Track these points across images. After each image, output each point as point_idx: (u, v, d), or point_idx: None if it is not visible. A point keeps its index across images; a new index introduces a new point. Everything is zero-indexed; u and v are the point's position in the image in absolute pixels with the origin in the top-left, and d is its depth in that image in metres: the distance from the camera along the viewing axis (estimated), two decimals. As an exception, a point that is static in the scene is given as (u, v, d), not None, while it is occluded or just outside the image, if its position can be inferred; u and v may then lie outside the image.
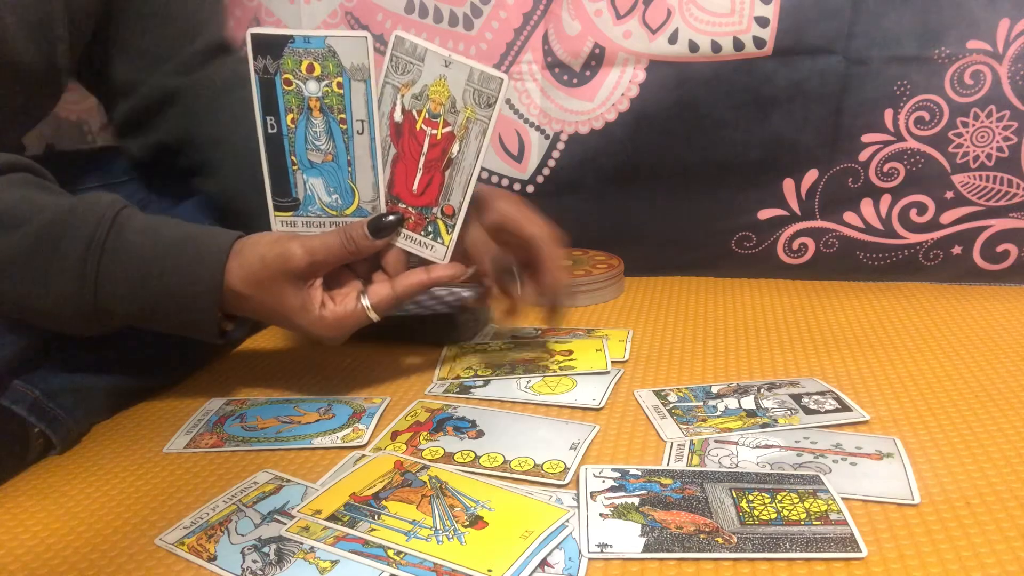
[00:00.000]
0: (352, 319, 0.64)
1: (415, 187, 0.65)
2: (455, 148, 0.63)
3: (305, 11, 1.05)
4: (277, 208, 0.66)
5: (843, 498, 0.53)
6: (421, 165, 0.64)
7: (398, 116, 0.63)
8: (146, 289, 0.60)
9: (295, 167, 0.64)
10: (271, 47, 0.61)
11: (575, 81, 0.99)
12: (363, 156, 0.63)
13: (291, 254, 0.61)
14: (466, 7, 1.00)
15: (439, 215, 0.65)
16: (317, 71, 0.61)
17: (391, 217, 0.64)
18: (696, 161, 0.99)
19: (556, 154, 1.02)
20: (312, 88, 0.62)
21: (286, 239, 0.62)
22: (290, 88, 0.62)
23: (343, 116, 0.63)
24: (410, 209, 0.65)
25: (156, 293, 0.61)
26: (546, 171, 1.03)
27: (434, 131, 0.63)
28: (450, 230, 0.66)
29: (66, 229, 0.59)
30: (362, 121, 0.63)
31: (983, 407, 0.66)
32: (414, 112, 0.63)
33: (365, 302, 0.64)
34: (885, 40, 0.90)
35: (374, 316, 0.65)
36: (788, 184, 0.98)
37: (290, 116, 0.63)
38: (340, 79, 0.61)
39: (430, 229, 0.66)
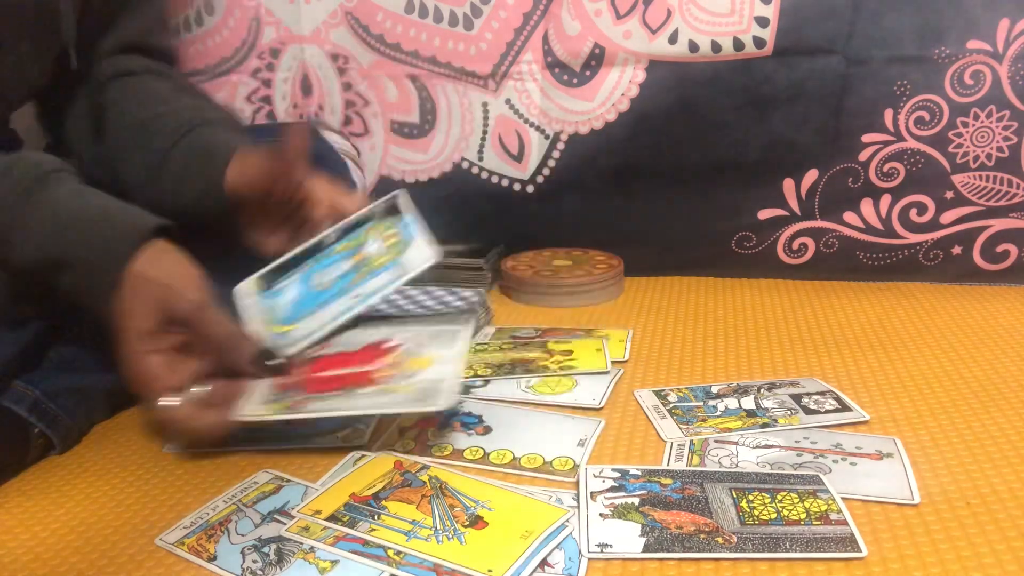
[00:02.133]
0: (154, 381, 0.59)
1: (320, 374, 0.63)
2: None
3: (305, 11, 1.05)
4: (259, 276, 0.68)
5: (843, 498, 0.53)
6: (343, 373, 0.63)
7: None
8: (58, 240, 0.59)
9: (299, 270, 0.67)
10: (395, 211, 0.68)
11: (575, 81, 0.99)
12: (333, 314, 0.65)
13: (189, 287, 0.59)
14: (466, 7, 1.00)
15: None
16: (390, 244, 0.65)
17: (278, 362, 0.63)
18: (696, 161, 0.99)
19: (556, 154, 1.02)
20: (371, 249, 0.67)
21: (199, 282, 0.60)
22: (361, 236, 0.67)
23: (360, 283, 0.65)
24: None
25: (66, 247, 0.59)
26: (546, 171, 1.03)
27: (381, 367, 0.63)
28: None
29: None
30: (364, 295, 0.64)
31: (983, 407, 0.66)
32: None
33: (169, 402, 0.59)
34: (885, 40, 0.90)
35: (164, 403, 0.59)
36: (788, 184, 0.98)
37: (343, 244, 0.67)
38: (388, 260, 0.65)
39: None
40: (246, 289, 0.68)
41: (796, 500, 0.52)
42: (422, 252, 0.64)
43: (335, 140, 1.03)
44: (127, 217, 0.61)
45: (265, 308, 0.67)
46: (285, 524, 0.52)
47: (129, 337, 0.59)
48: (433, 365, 0.60)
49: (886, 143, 0.94)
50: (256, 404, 0.60)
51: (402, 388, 0.58)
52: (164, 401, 0.59)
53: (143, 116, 0.75)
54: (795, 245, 1.01)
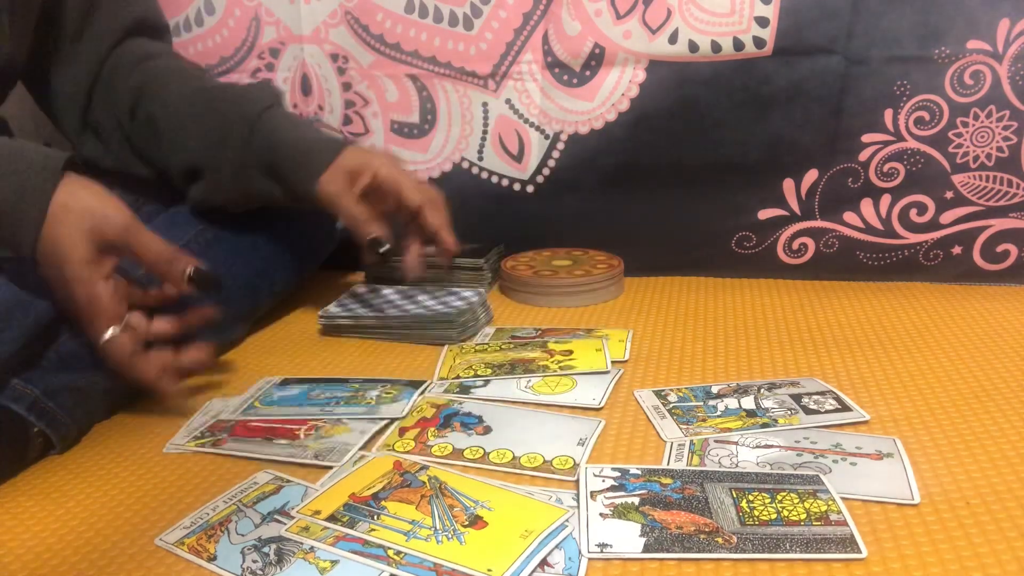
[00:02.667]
0: (105, 307, 0.63)
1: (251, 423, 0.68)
2: None
3: (305, 11, 1.05)
4: (286, 378, 0.77)
5: (843, 498, 0.53)
6: (270, 425, 0.67)
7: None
8: None
9: (312, 384, 0.75)
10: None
11: (575, 81, 0.99)
12: (298, 413, 0.69)
13: (114, 210, 0.62)
14: (466, 7, 1.00)
15: None
16: (384, 395, 0.71)
17: (212, 279, 0.67)
18: (696, 161, 0.99)
19: (556, 154, 1.02)
20: (371, 393, 0.71)
21: (121, 206, 0.63)
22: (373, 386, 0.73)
23: (340, 407, 0.69)
24: None
25: None
26: (546, 171, 1.03)
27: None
28: None
29: None
30: (332, 412, 0.68)
31: (983, 407, 0.66)
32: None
33: (114, 333, 0.63)
34: (885, 40, 0.90)
35: (110, 333, 0.63)
36: (788, 184, 0.98)
37: (359, 384, 0.74)
38: (372, 403, 0.70)
39: None
40: (271, 379, 0.77)
41: (796, 500, 0.52)
42: (398, 409, 0.68)
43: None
44: (36, 155, 0.62)
45: (265, 392, 0.74)
46: (285, 524, 0.52)
47: (73, 267, 0.61)
48: (349, 432, 0.65)
49: (886, 143, 0.94)
50: (185, 436, 0.66)
51: (311, 445, 0.63)
52: (111, 333, 0.63)
53: (197, 86, 0.82)
54: (795, 245, 1.01)
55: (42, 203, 0.60)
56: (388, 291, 0.92)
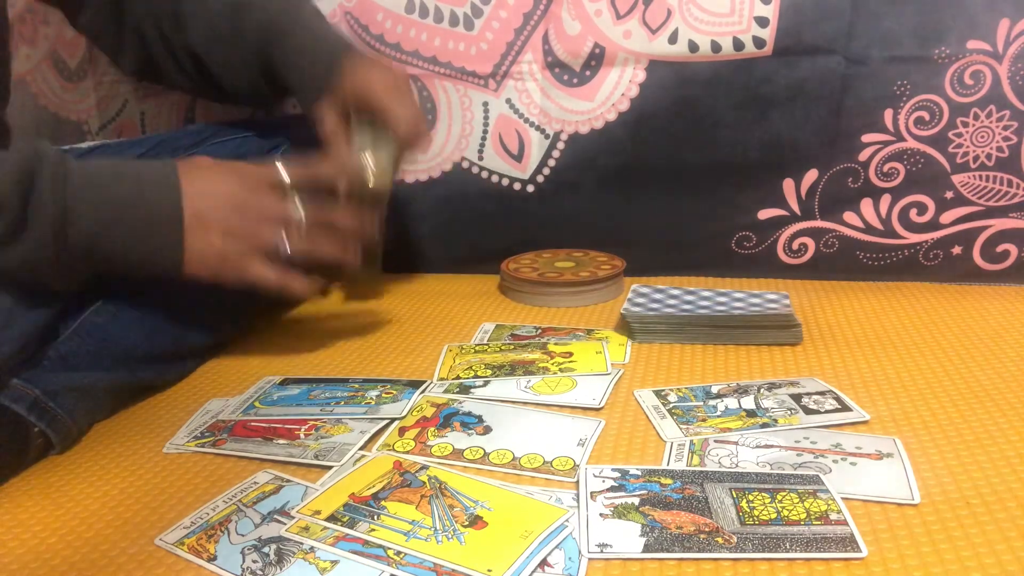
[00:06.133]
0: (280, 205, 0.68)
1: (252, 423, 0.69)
2: None
3: (305, 11, 1.05)
4: (285, 378, 0.76)
5: (843, 498, 0.53)
6: (271, 426, 0.68)
7: None
8: (112, 210, 0.63)
9: (312, 384, 0.75)
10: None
11: (575, 81, 0.99)
12: (299, 413, 0.69)
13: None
14: (466, 7, 1.00)
15: None
16: (384, 395, 0.71)
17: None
18: (696, 161, 0.99)
19: (556, 154, 1.02)
20: (370, 394, 0.71)
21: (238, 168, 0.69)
22: (374, 387, 0.73)
23: (340, 407, 0.69)
24: None
25: (121, 212, 0.63)
26: (546, 171, 1.03)
27: None
28: None
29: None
30: (332, 413, 0.68)
31: (983, 407, 0.66)
32: None
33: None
34: (885, 40, 0.90)
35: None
36: (788, 184, 0.98)
37: (358, 384, 0.74)
38: (372, 403, 0.70)
39: None
40: (271, 378, 0.77)
41: (796, 500, 0.52)
42: (398, 409, 0.68)
43: None
44: (152, 172, 0.65)
45: (265, 392, 0.74)
46: (285, 524, 0.52)
47: (235, 192, 0.66)
48: (350, 432, 0.65)
49: (886, 143, 0.94)
50: (185, 436, 0.66)
51: (311, 445, 0.63)
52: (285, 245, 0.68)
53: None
54: (795, 245, 1.01)
55: (178, 221, 0.64)
56: (676, 291, 0.91)
